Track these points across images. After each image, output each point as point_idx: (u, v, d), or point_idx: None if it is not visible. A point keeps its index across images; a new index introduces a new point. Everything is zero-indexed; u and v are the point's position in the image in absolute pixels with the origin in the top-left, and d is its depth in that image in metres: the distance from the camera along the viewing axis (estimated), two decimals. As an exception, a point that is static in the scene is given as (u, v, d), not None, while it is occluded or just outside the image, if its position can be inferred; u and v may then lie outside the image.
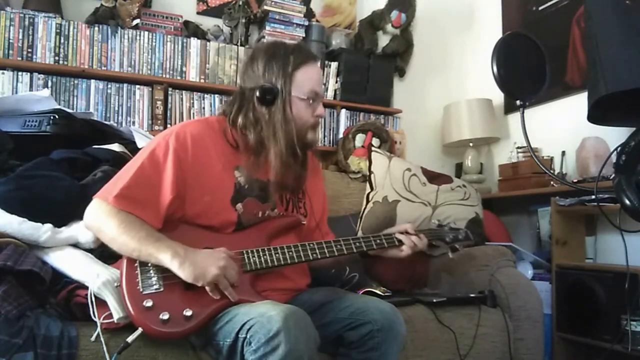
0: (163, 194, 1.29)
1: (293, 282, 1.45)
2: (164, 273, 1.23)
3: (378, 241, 1.50)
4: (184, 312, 1.19)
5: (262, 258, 1.32)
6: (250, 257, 1.32)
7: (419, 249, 1.54)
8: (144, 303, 1.18)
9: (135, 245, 1.22)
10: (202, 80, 2.47)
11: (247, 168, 1.41)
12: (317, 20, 2.85)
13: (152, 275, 1.23)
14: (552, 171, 2.40)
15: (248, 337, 1.11)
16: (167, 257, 1.20)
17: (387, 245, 1.50)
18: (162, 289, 1.21)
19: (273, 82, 1.39)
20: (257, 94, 1.39)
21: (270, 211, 1.44)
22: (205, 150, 1.37)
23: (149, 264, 1.24)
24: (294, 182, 1.50)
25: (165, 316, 1.16)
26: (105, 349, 1.19)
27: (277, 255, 1.34)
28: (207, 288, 1.22)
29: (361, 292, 1.81)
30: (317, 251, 1.39)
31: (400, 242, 1.51)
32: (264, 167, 1.43)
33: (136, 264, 1.24)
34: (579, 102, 2.34)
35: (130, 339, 1.16)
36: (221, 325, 1.21)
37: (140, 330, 1.16)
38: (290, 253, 1.36)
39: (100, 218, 1.25)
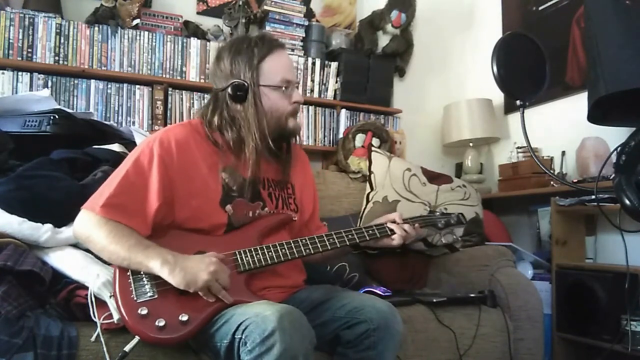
0: (150, 201, 1.28)
1: (289, 279, 1.44)
2: (157, 280, 1.22)
3: (370, 232, 1.48)
4: (180, 318, 1.18)
5: (255, 257, 1.32)
6: (243, 257, 1.32)
7: (411, 238, 1.52)
8: (139, 311, 1.17)
9: (124, 254, 1.21)
10: (202, 80, 2.47)
11: (233, 168, 1.40)
12: (317, 20, 2.85)
13: (145, 282, 1.22)
14: (552, 171, 2.40)
15: (243, 337, 1.11)
16: (156, 264, 1.20)
17: (380, 236, 1.49)
18: (156, 296, 1.21)
19: (242, 78, 1.39)
20: (229, 91, 1.39)
21: (260, 210, 1.43)
22: (190, 154, 1.36)
23: (141, 272, 1.23)
24: (281, 172, 1.50)
25: (161, 323, 1.16)
26: (105, 349, 1.19)
27: (270, 253, 1.34)
28: (200, 293, 1.22)
29: (361, 291, 1.80)
30: (310, 246, 1.39)
31: (392, 232, 1.50)
32: (248, 166, 1.41)
33: (128, 273, 1.23)
34: (579, 102, 2.34)
35: (127, 347, 1.16)
36: (218, 327, 1.21)
37: (137, 338, 1.17)
38: (283, 250, 1.36)
39: (89, 228, 1.25)
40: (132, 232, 1.24)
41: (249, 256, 1.32)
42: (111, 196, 1.25)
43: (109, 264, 1.34)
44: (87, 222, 1.25)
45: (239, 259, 1.31)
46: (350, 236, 1.45)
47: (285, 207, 1.50)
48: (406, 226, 1.51)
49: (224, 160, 1.40)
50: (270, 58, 1.42)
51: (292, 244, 1.37)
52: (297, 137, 1.53)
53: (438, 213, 1.67)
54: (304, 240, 1.39)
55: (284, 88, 1.42)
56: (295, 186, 1.56)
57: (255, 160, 1.38)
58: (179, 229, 1.34)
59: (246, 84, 1.39)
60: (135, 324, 1.16)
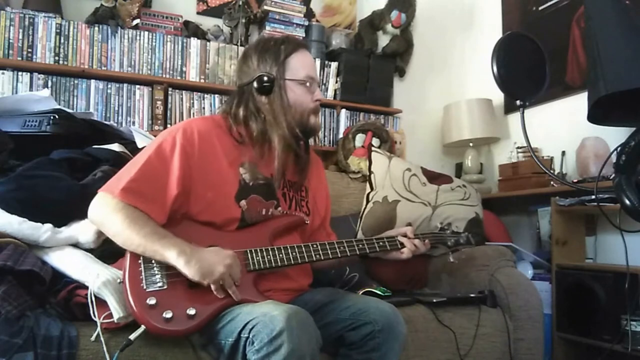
0: (169, 189, 1.29)
1: (296, 282, 1.45)
2: (168, 271, 1.23)
3: (381, 244, 1.50)
4: (187, 311, 1.19)
5: (265, 258, 1.33)
6: (254, 256, 1.32)
7: (420, 252, 1.55)
8: (147, 301, 1.17)
9: (140, 240, 1.21)
10: (202, 80, 2.47)
11: (253, 164, 1.42)
12: (317, 20, 2.85)
13: (156, 272, 1.23)
14: (552, 171, 2.40)
15: (251, 336, 1.11)
16: (173, 254, 1.20)
17: (390, 248, 1.52)
18: (165, 287, 1.21)
19: (268, 72, 1.43)
20: (255, 84, 1.42)
21: (273, 209, 1.44)
22: (212, 146, 1.38)
23: (153, 261, 1.23)
24: (298, 173, 1.51)
25: (168, 314, 1.17)
26: (105, 348, 1.19)
27: (280, 255, 1.35)
28: (212, 287, 1.22)
29: (361, 292, 1.80)
30: (321, 252, 1.40)
31: (402, 245, 1.52)
32: (268, 162, 1.43)
33: (140, 261, 1.23)
34: (579, 102, 2.34)
35: (133, 336, 1.16)
36: (223, 324, 1.21)
37: (143, 328, 1.16)
38: (294, 253, 1.36)
39: (105, 212, 1.25)
40: (148, 220, 1.24)
41: (259, 256, 1.32)
42: (131, 180, 1.25)
43: (112, 261, 1.34)
44: (104, 205, 1.25)
45: (249, 257, 1.32)
46: (360, 246, 1.47)
47: (297, 209, 1.51)
48: (417, 241, 1.53)
49: (244, 155, 1.42)
50: (296, 55, 1.46)
51: (304, 248, 1.38)
52: (315, 138, 1.56)
53: (448, 231, 1.67)
54: (315, 246, 1.40)
55: (307, 84, 1.45)
56: (309, 189, 1.58)
57: (282, 151, 1.40)
58: (193, 221, 1.35)
59: (272, 76, 1.42)
60: (142, 313, 1.16)
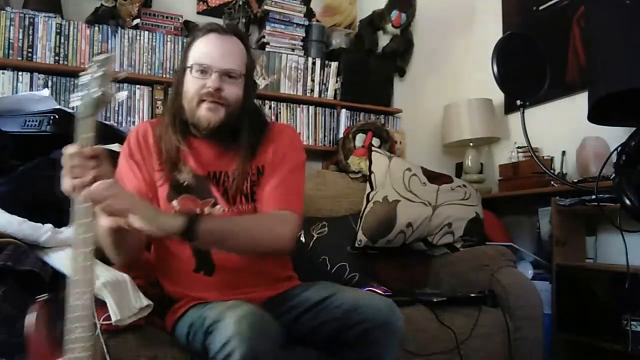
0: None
1: (269, 275, 1.42)
2: None
3: None
4: None
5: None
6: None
7: None
8: None
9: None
10: (202, 80, 2.47)
11: (185, 162, 1.39)
12: (317, 20, 2.85)
13: None
14: (552, 171, 2.40)
15: (207, 344, 1.13)
16: None
17: None
18: None
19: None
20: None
21: (211, 208, 1.38)
22: (147, 147, 1.41)
23: None
24: (241, 165, 1.39)
25: None
26: (105, 349, 1.19)
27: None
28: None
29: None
30: None
31: None
32: (200, 159, 1.39)
33: None
34: (579, 102, 2.34)
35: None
36: (195, 329, 1.23)
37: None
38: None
39: None
40: None
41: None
42: None
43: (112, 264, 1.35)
44: None
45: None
46: None
47: (245, 202, 1.40)
48: None
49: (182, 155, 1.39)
50: (198, 41, 1.39)
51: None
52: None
53: None
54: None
55: (198, 73, 1.35)
56: (265, 166, 1.43)
57: (163, 139, 1.38)
58: None
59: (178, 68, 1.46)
60: None
